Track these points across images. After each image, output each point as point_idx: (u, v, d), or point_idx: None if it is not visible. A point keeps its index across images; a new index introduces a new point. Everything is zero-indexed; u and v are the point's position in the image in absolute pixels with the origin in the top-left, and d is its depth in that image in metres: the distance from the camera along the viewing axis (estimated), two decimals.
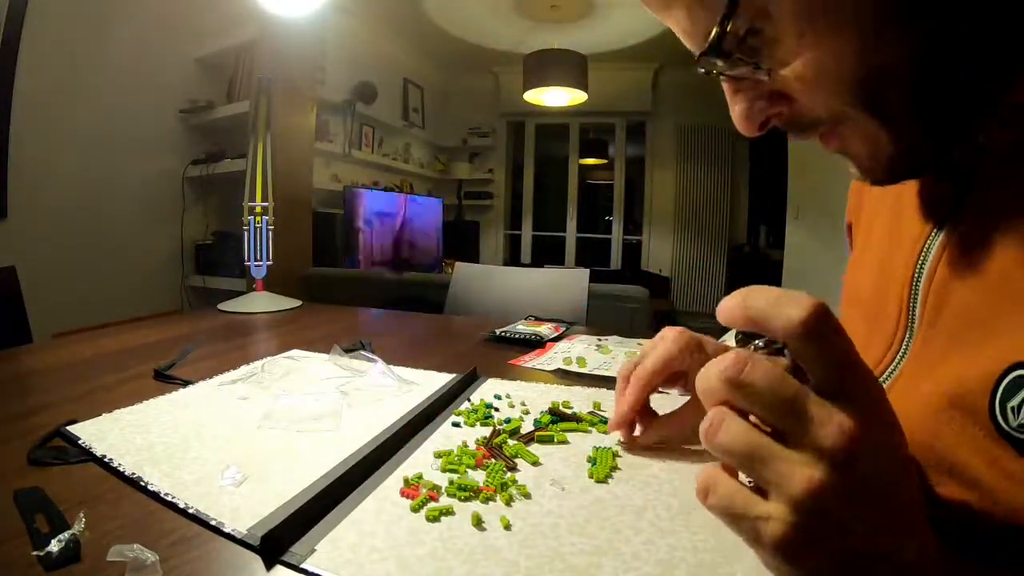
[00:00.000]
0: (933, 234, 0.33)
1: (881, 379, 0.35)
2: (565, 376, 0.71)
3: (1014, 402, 0.24)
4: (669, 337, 0.44)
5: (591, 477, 0.42)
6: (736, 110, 0.32)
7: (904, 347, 0.34)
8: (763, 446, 0.22)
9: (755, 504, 0.23)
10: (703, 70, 0.31)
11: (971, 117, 0.29)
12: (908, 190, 0.37)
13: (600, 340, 0.88)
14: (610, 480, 0.42)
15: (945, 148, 0.30)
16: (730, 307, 0.25)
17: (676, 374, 0.44)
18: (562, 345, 0.85)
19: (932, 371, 0.30)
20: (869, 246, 0.43)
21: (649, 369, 0.43)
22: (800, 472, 0.21)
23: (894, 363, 0.34)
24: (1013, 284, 0.26)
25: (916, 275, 0.33)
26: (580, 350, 0.81)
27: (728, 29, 0.27)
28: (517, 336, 0.91)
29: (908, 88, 0.27)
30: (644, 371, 0.44)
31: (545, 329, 0.94)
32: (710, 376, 0.24)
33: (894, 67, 0.27)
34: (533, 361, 0.77)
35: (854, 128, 0.30)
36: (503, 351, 0.86)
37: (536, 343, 0.89)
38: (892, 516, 0.22)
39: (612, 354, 0.80)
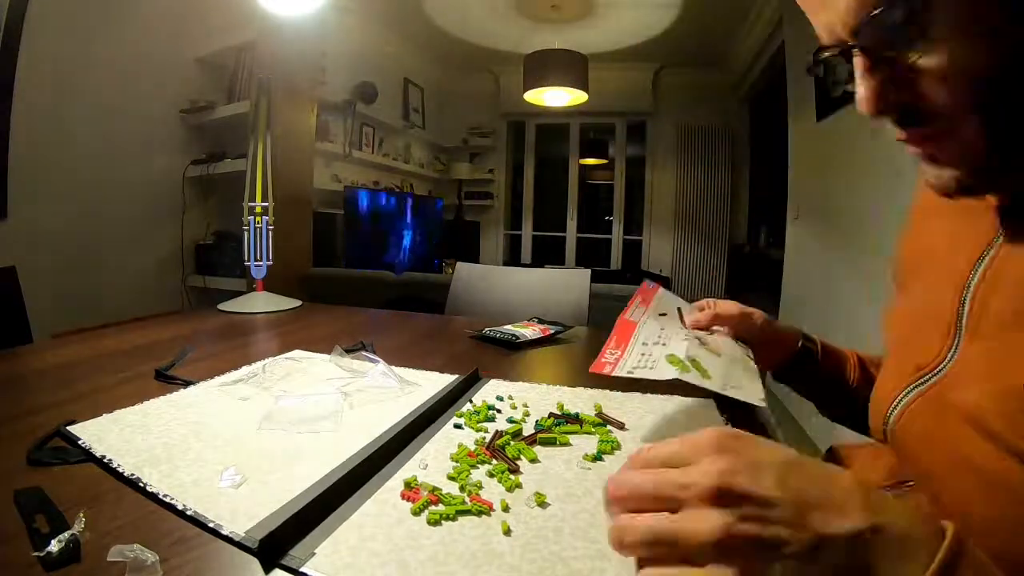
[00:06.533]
0: (983, 254, 0.39)
1: (930, 374, 0.41)
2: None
3: None
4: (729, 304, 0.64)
5: (586, 458, 0.46)
6: (863, 89, 0.34)
7: (952, 352, 0.40)
8: (665, 526, 0.26)
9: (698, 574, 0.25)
10: (840, 47, 0.34)
11: None
12: (955, 225, 0.43)
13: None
14: (605, 457, 0.47)
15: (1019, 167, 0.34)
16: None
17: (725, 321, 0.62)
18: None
19: (977, 369, 0.36)
20: (909, 289, 0.51)
21: (724, 312, 0.63)
22: (703, 525, 0.24)
23: (943, 364, 0.40)
24: None
25: (965, 292, 0.39)
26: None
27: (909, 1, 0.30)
28: (497, 336, 0.91)
29: (1016, 105, 0.31)
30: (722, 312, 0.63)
31: (529, 331, 0.94)
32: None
33: (1016, 81, 0.30)
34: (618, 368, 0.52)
35: (957, 133, 0.33)
36: (504, 352, 0.86)
37: (513, 344, 0.88)
38: (804, 508, 0.25)
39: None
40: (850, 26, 0.33)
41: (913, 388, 0.43)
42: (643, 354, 0.54)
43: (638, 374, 0.50)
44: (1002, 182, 0.36)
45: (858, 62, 0.35)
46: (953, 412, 0.37)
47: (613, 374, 0.51)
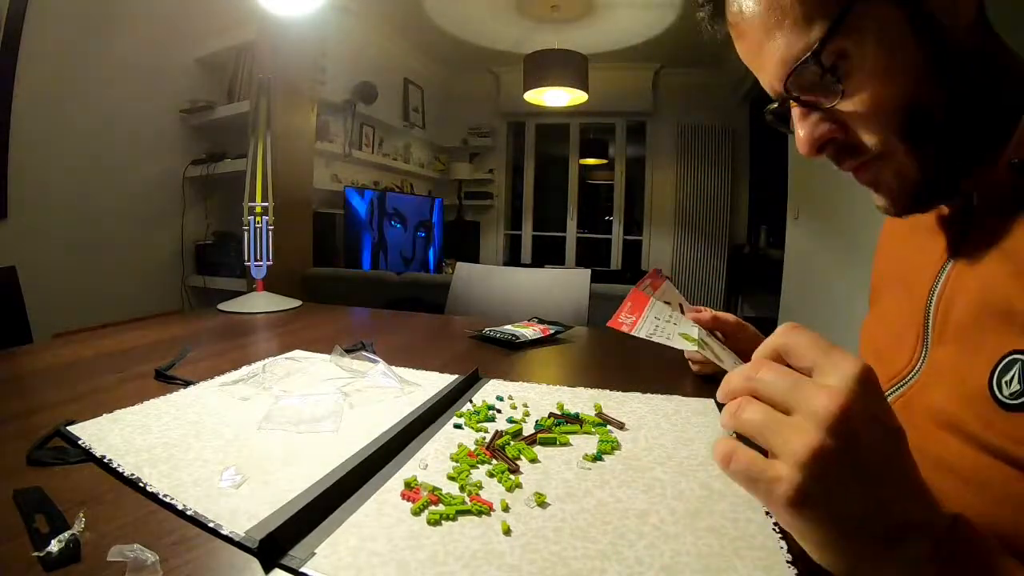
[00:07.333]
0: (941, 269, 0.42)
1: (901, 383, 0.44)
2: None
3: (1006, 378, 0.33)
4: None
5: (586, 458, 0.46)
6: (801, 133, 0.40)
7: (921, 361, 0.43)
8: (773, 418, 0.27)
9: (768, 467, 0.26)
10: (779, 100, 0.40)
11: (976, 161, 0.37)
12: (917, 244, 0.46)
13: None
14: (605, 457, 0.47)
15: (956, 183, 0.38)
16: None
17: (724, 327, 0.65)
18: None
19: (943, 373, 0.39)
20: (881, 304, 0.54)
21: (722, 316, 0.65)
22: (801, 437, 0.25)
23: (913, 372, 0.43)
24: (997, 301, 0.35)
25: (928, 304, 0.42)
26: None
27: (819, 57, 0.35)
28: (498, 336, 0.92)
29: (939, 128, 0.36)
30: (720, 316, 0.65)
31: (529, 331, 0.94)
32: (732, 378, 0.30)
33: (932, 109, 0.35)
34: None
35: (889, 161, 0.38)
36: (505, 352, 0.86)
37: (513, 344, 0.89)
38: (889, 479, 0.26)
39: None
40: (781, 82, 0.38)
41: (887, 396, 0.44)
42: (656, 326, 0.56)
43: (656, 339, 0.53)
44: (941, 196, 0.40)
45: (793, 111, 0.40)
46: (925, 416, 0.39)
47: (631, 333, 0.53)
